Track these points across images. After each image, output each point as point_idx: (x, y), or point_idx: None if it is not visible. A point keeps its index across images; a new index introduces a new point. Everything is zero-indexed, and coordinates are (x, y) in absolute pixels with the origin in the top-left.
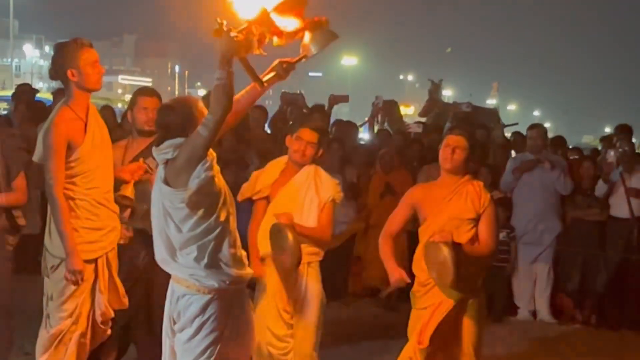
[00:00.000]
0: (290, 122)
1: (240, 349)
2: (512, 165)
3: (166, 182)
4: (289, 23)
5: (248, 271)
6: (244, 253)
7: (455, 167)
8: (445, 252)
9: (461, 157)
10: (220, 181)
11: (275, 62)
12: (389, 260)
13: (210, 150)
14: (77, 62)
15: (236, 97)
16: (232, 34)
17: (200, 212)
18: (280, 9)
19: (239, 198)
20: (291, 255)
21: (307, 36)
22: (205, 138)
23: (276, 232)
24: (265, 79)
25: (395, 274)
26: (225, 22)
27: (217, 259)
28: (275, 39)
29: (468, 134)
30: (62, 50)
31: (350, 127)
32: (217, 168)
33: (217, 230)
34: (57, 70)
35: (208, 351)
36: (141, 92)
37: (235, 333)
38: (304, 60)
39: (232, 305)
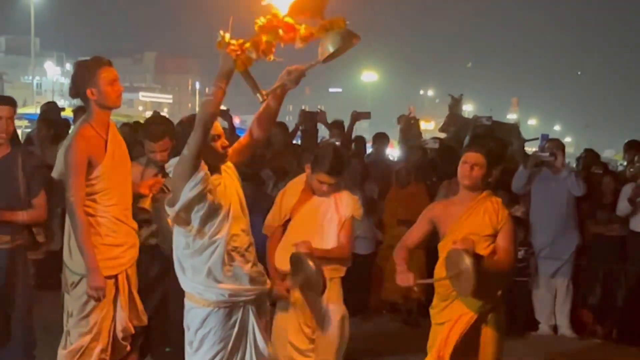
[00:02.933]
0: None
1: None
2: (523, 171)
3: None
4: (304, 23)
5: (255, 286)
6: (256, 268)
7: (473, 183)
8: (467, 260)
9: (479, 173)
10: (220, 197)
11: (284, 71)
12: (401, 263)
13: (202, 166)
14: (96, 80)
15: (256, 115)
16: (232, 47)
17: (192, 228)
18: (295, 9)
19: (266, 231)
20: (316, 284)
21: (326, 39)
22: (186, 157)
23: (297, 262)
24: (270, 90)
25: (404, 278)
26: (227, 36)
27: (215, 274)
28: (297, 42)
29: (486, 150)
30: (81, 69)
31: (380, 139)
32: (213, 185)
33: (214, 246)
34: (77, 88)
35: None
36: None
37: (242, 346)
38: (316, 65)
39: (232, 318)
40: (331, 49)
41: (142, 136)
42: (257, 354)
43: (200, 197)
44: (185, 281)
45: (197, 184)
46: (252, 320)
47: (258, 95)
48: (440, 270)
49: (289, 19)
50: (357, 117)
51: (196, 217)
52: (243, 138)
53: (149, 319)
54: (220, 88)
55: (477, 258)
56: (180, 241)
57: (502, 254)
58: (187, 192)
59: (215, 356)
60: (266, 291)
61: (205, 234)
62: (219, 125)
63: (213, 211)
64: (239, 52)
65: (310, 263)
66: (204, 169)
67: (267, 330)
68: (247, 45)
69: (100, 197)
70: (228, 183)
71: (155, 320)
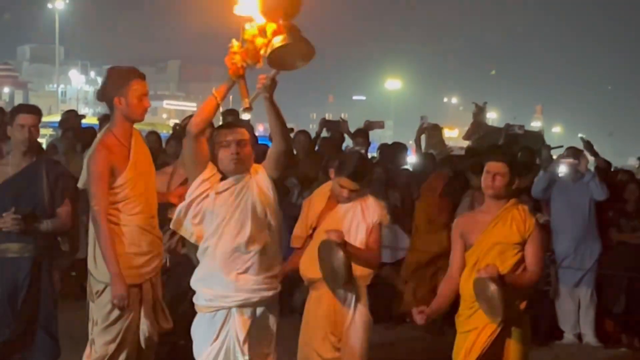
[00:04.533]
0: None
1: None
2: (543, 175)
3: None
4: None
5: (239, 294)
6: (252, 276)
7: (497, 193)
8: (493, 288)
9: (502, 183)
10: (219, 204)
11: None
12: (436, 299)
13: (207, 172)
14: (126, 90)
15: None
16: (231, 57)
17: (187, 232)
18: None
19: (294, 243)
20: (343, 272)
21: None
22: (187, 165)
23: (327, 249)
24: (251, 99)
25: (422, 316)
26: (236, 43)
27: (203, 279)
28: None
29: (507, 158)
30: (114, 76)
31: (397, 149)
32: (215, 190)
33: (206, 252)
34: (105, 94)
35: None
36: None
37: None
38: (281, 71)
39: (215, 324)
40: (277, 45)
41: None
42: None
43: (192, 203)
44: None
45: (193, 191)
46: (233, 332)
47: (242, 102)
48: (466, 281)
49: (270, 26)
50: (369, 126)
51: (192, 222)
52: (270, 149)
53: (181, 336)
54: (214, 97)
55: (502, 283)
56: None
57: (531, 264)
58: (186, 198)
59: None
60: (260, 299)
61: (201, 238)
62: (229, 133)
63: (207, 216)
64: (232, 61)
65: (340, 251)
66: (211, 176)
67: (267, 340)
68: (239, 54)
69: (123, 206)
70: (246, 188)
71: (186, 335)
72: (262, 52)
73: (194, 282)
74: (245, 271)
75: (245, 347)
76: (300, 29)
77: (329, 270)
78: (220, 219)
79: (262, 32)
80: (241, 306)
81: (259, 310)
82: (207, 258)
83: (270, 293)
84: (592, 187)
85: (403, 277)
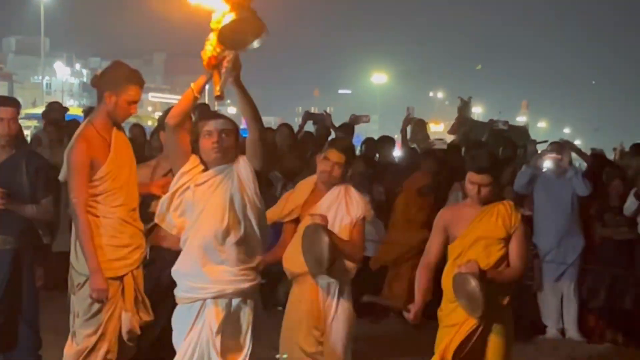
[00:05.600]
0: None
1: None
2: (526, 169)
3: None
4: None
5: (214, 286)
6: (227, 267)
7: (484, 202)
8: (473, 284)
9: (487, 193)
10: (198, 196)
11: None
12: (418, 294)
13: (189, 164)
14: (121, 91)
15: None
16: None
17: (172, 227)
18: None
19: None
20: (327, 254)
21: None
22: (171, 158)
23: (311, 232)
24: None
25: (412, 314)
26: (212, 37)
27: (180, 270)
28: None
29: (489, 168)
30: (117, 70)
31: (385, 143)
32: (194, 182)
33: (184, 243)
34: (101, 84)
35: None
36: None
37: (200, 348)
38: (240, 51)
39: (190, 315)
40: (226, 20)
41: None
42: None
43: (173, 196)
44: None
45: (175, 183)
46: (207, 324)
47: (214, 90)
48: (448, 274)
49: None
50: (356, 120)
51: (172, 215)
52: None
53: (164, 327)
54: (191, 89)
55: (483, 280)
56: None
57: (514, 260)
58: (169, 190)
59: (180, 352)
60: (235, 291)
61: (182, 231)
62: (212, 123)
63: (188, 209)
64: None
65: (324, 234)
66: (192, 168)
67: (240, 333)
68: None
69: (104, 198)
70: (225, 179)
71: (168, 327)
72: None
73: (174, 274)
74: (222, 262)
75: (218, 339)
76: (250, 6)
77: (312, 254)
78: (198, 211)
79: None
80: (216, 297)
81: (235, 302)
82: (186, 249)
83: (246, 285)
84: (575, 183)
85: (372, 267)
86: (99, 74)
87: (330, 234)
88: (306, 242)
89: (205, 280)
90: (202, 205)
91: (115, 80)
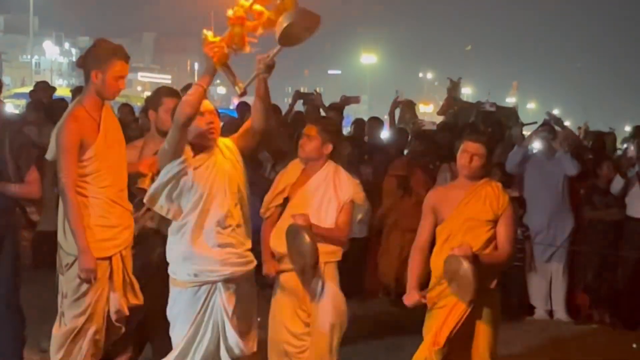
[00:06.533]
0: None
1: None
2: (518, 150)
3: None
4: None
5: (224, 268)
6: (234, 250)
7: (472, 173)
8: (466, 266)
9: (479, 164)
10: (197, 179)
11: (256, 62)
12: (412, 278)
13: (185, 153)
14: (106, 67)
15: (252, 108)
16: (210, 46)
17: (163, 209)
18: None
19: (263, 213)
20: (309, 257)
21: (280, 19)
22: (167, 151)
23: (293, 234)
24: (247, 82)
25: (410, 297)
26: (210, 34)
27: (185, 254)
28: (259, 29)
29: (485, 139)
30: (99, 49)
31: (373, 124)
32: (192, 167)
33: (185, 227)
34: (86, 63)
35: (182, 345)
36: (168, 93)
37: (210, 331)
38: (280, 50)
39: (199, 299)
40: (285, 24)
41: (155, 101)
42: (227, 348)
43: (171, 180)
44: (168, 260)
45: (171, 169)
46: (220, 306)
47: (236, 87)
48: (437, 256)
49: (257, 6)
50: (346, 101)
51: (168, 198)
52: (246, 123)
53: (150, 309)
54: (201, 87)
55: (476, 263)
56: (164, 220)
57: (502, 241)
58: (162, 177)
59: (185, 336)
60: (243, 273)
61: (179, 215)
62: (208, 103)
63: (185, 192)
64: (215, 50)
65: (306, 235)
66: (185, 153)
67: (249, 314)
68: (222, 40)
69: (93, 179)
70: (218, 162)
71: (156, 308)
72: (259, 31)
73: (174, 259)
74: (227, 245)
75: (234, 321)
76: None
77: (296, 255)
78: (199, 195)
79: (248, 15)
80: (227, 280)
81: (241, 284)
82: (188, 234)
83: (251, 266)
84: (565, 162)
85: (375, 251)
86: (82, 55)
87: (311, 232)
88: (289, 243)
89: (214, 263)
90: (202, 189)
91: (100, 58)
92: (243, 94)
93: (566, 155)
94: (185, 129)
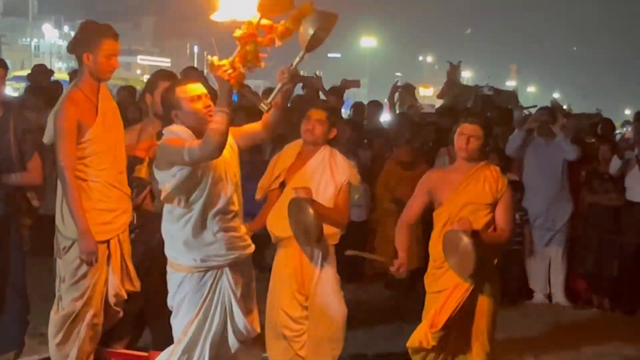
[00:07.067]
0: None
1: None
2: (518, 134)
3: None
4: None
5: (230, 252)
6: (236, 233)
7: (470, 155)
8: (466, 240)
9: (476, 145)
10: (201, 166)
11: (278, 73)
12: (401, 250)
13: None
14: (96, 48)
15: (263, 118)
16: (224, 68)
17: (179, 202)
18: (264, 11)
19: (258, 195)
20: (313, 229)
21: (302, 27)
22: (185, 162)
23: (296, 207)
24: (271, 98)
25: (398, 266)
26: (215, 59)
27: (189, 241)
28: (276, 41)
29: (482, 121)
30: (86, 31)
31: (373, 108)
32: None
33: (190, 214)
34: (76, 48)
35: (192, 330)
36: (163, 76)
37: (218, 316)
38: (304, 57)
39: (206, 284)
40: (311, 31)
41: (152, 84)
42: (235, 330)
43: (184, 176)
44: (166, 247)
45: (183, 168)
46: (228, 289)
47: (262, 105)
48: (436, 240)
49: (265, 21)
50: (346, 85)
51: (176, 186)
52: (253, 126)
53: (150, 292)
54: (225, 112)
55: (475, 238)
56: (165, 207)
57: (501, 225)
58: (177, 172)
59: (191, 322)
60: (246, 256)
61: (183, 202)
62: (201, 86)
63: (191, 180)
64: (230, 72)
65: (310, 209)
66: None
67: (251, 296)
68: (236, 61)
69: (91, 161)
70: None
71: (156, 294)
72: (277, 43)
73: (177, 245)
74: (230, 230)
75: (242, 304)
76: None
77: (300, 228)
78: (204, 183)
79: (258, 31)
80: (233, 264)
81: (243, 267)
82: (192, 221)
83: (251, 249)
84: (564, 147)
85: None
86: (71, 40)
87: (315, 205)
88: (292, 216)
89: (220, 248)
90: (207, 177)
91: (88, 39)
92: (269, 110)
93: (566, 140)
94: (211, 158)
